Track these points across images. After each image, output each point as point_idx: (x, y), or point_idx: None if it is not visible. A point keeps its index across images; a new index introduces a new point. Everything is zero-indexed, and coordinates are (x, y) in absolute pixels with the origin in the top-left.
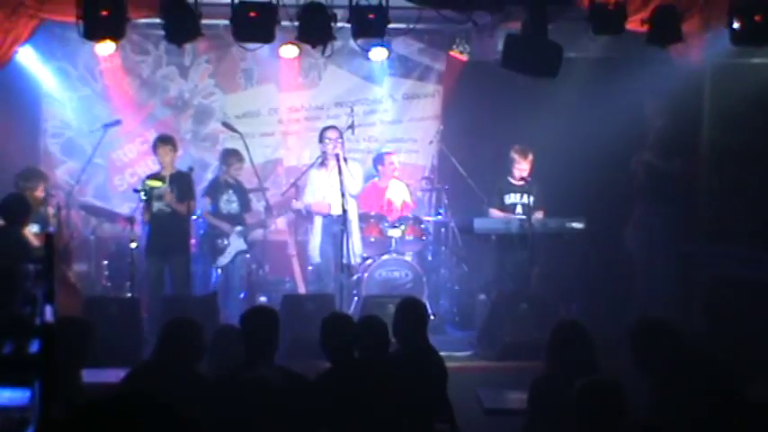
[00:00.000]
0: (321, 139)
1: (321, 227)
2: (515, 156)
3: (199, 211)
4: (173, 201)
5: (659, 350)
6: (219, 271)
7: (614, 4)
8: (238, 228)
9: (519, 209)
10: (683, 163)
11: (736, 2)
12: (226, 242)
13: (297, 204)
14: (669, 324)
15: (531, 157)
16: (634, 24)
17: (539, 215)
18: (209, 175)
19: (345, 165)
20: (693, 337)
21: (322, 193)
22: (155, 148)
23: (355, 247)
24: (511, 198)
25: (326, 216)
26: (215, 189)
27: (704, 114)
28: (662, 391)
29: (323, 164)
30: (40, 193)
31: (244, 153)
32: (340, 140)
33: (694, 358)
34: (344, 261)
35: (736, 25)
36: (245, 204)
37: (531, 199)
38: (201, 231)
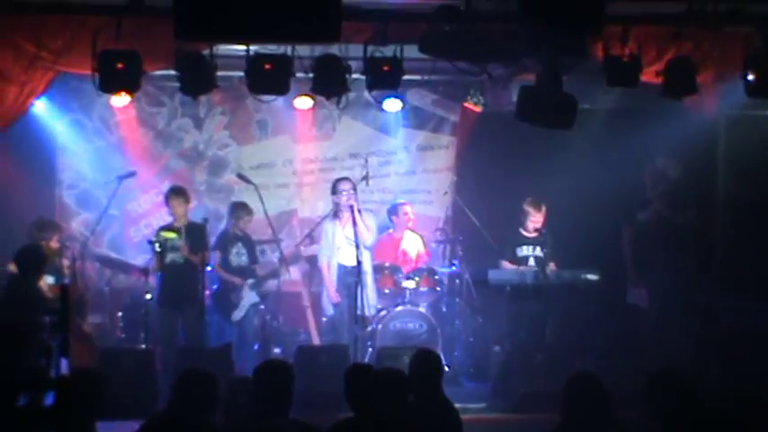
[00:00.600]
0: (334, 191)
1: (336, 278)
2: (529, 208)
3: (210, 266)
4: (187, 252)
5: (675, 403)
6: (234, 324)
7: (629, 56)
8: (250, 281)
9: (531, 261)
10: (696, 214)
11: (751, 54)
12: (239, 297)
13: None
14: (685, 376)
15: (544, 209)
16: (648, 76)
17: (551, 267)
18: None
19: (360, 216)
20: (709, 389)
21: (336, 245)
22: (167, 199)
23: (370, 298)
24: (524, 250)
25: (340, 267)
26: (224, 242)
27: (719, 165)
28: None
29: (336, 216)
30: (54, 244)
31: (257, 205)
32: (353, 192)
33: (710, 411)
34: (359, 312)
35: (750, 77)
36: (253, 256)
37: (544, 251)
38: (215, 286)
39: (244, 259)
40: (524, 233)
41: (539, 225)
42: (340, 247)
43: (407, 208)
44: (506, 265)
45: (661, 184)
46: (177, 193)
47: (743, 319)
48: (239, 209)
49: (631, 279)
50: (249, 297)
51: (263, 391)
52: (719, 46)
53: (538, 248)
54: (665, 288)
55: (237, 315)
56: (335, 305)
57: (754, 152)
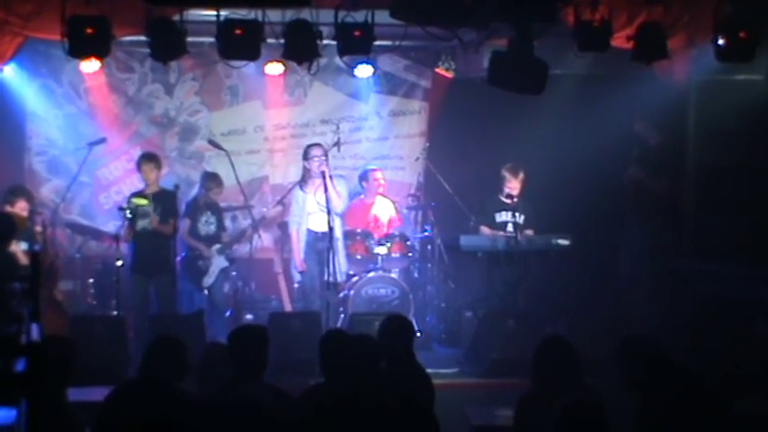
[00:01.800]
0: (305, 157)
1: (305, 244)
2: (506, 174)
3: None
4: (156, 222)
5: (645, 368)
6: (205, 291)
7: (599, 21)
8: (216, 246)
9: (509, 227)
10: (670, 183)
11: (721, 18)
12: (207, 263)
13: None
14: (655, 341)
15: (522, 175)
16: (619, 41)
17: (529, 234)
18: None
19: (331, 182)
20: (680, 353)
21: (306, 210)
22: (139, 165)
23: (340, 264)
24: (502, 216)
25: (311, 233)
26: (194, 210)
27: (690, 131)
28: (648, 408)
29: (306, 181)
30: (22, 211)
31: (228, 171)
32: (325, 158)
33: (680, 375)
34: (330, 279)
35: (721, 42)
36: (221, 224)
37: (522, 218)
38: (183, 253)
39: (212, 228)
40: (502, 199)
41: (515, 191)
42: (310, 213)
43: (378, 174)
44: (485, 230)
45: (638, 147)
46: (149, 159)
47: (713, 285)
48: (210, 179)
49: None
50: (217, 262)
51: (237, 355)
52: (690, 11)
53: (516, 215)
54: (637, 251)
55: (208, 281)
56: (301, 273)
57: (724, 117)
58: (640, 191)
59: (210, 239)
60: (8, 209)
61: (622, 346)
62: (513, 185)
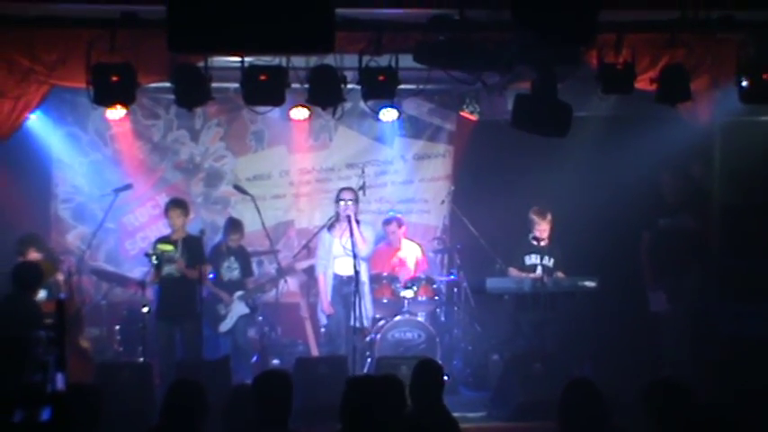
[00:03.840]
0: (337, 200)
1: (332, 288)
2: (534, 216)
3: (211, 277)
4: (183, 267)
5: (673, 411)
6: (227, 336)
7: (623, 63)
8: (239, 293)
9: (539, 270)
10: (700, 224)
11: (744, 60)
12: (225, 310)
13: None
14: (683, 385)
15: (549, 217)
16: (643, 83)
17: (557, 276)
18: None
19: (357, 226)
20: (707, 395)
21: (333, 254)
22: (166, 211)
23: (366, 309)
24: (531, 259)
25: (337, 277)
26: (216, 256)
27: (715, 172)
28: None
29: (333, 225)
30: (34, 256)
31: (254, 216)
32: (352, 202)
33: (709, 419)
34: (357, 324)
35: (744, 83)
36: (246, 270)
37: (552, 261)
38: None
39: (236, 273)
40: (532, 242)
41: (544, 234)
42: (336, 257)
43: (393, 226)
44: (513, 271)
45: (685, 190)
46: (177, 204)
47: (740, 325)
48: (230, 226)
49: (650, 285)
50: (238, 309)
51: (262, 400)
52: (713, 53)
53: (546, 257)
54: (678, 294)
55: (224, 326)
56: (329, 316)
57: (749, 158)
58: (684, 233)
59: (234, 285)
60: (20, 259)
61: (650, 389)
62: (542, 228)
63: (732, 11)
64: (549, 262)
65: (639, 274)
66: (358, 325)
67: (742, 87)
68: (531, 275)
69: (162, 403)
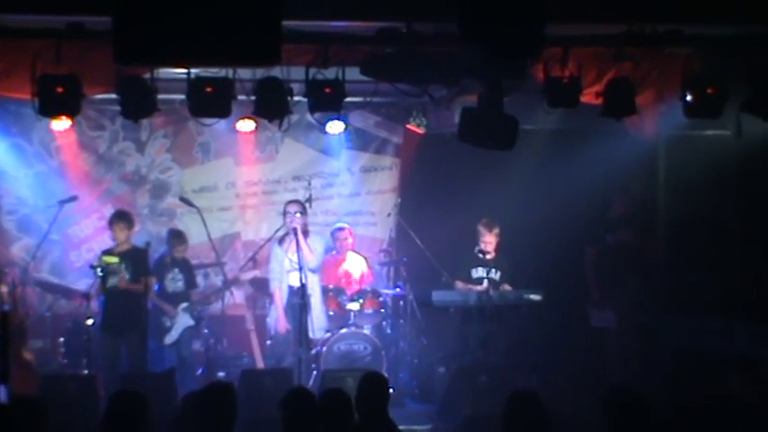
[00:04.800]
0: (284, 213)
1: (285, 301)
2: (481, 229)
3: (157, 290)
4: (125, 282)
5: (631, 421)
6: (172, 348)
7: (569, 77)
8: (183, 305)
9: (485, 283)
10: (643, 239)
11: (690, 75)
12: (170, 322)
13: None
14: (640, 394)
15: (497, 230)
16: (589, 97)
17: (503, 289)
18: None
19: (305, 238)
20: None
21: (285, 268)
22: (110, 224)
23: (317, 320)
24: (478, 272)
25: (290, 289)
26: (160, 268)
27: (660, 186)
28: None
29: (283, 239)
30: None
31: (200, 228)
32: (299, 214)
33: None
34: (309, 335)
35: (689, 98)
36: (190, 282)
37: (499, 274)
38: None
39: (180, 285)
40: (479, 255)
41: (490, 247)
42: (289, 272)
43: (344, 233)
44: (459, 284)
45: (628, 209)
46: (120, 218)
47: (685, 338)
48: (173, 237)
49: (595, 301)
50: (182, 321)
51: (207, 412)
52: (659, 67)
53: (493, 271)
54: (624, 309)
55: (170, 339)
56: (281, 334)
57: (693, 172)
58: (629, 251)
59: (178, 297)
60: None
61: (607, 398)
62: (487, 240)
63: (678, 25)
64: (495, 275)
65: (583, 288)
66: (310, 337)
67: (687, 102)
68: (477, 288)
69: (103, 414)
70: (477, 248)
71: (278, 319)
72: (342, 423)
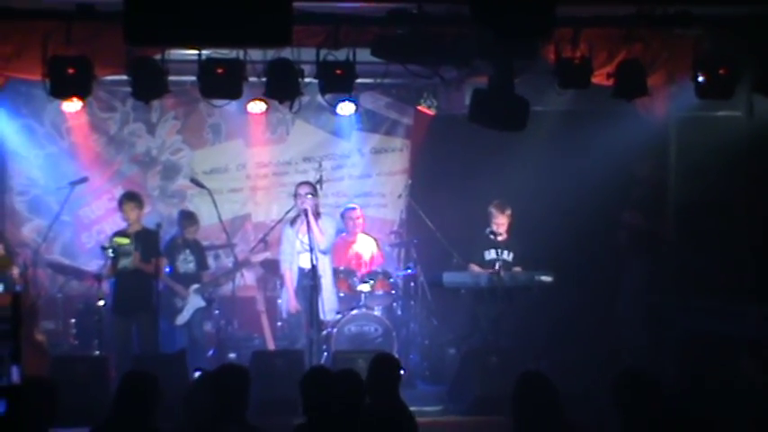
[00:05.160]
0: (294, 195)
1: (296, 282)
2: (493, 210)
3: (167, 271)
4: (138, 261)
5: (644, 403)
6: (183, 329)
7: (580, 58)
8: (195, 286)
9: (497, 265)
10: (666, 222)
11: (701, 56)
12: (181, 303)
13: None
14: (652, 376)
15: (508, 211)
16: (599, 78)
17: (517, 271)
18: None
19: (315, 220)
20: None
21: (296, 249)
22: (120, 204)
23: (328, 302)
24: (491, 254)
25: (300, 271)
26: (172, 249)
27: (671, 167)
28: None
29: (294, 220)
30: None
31: (210, 209)
32: (310, 195)
33: (675, 411)
34: (320, 317)
35: (700, 79)
36: (202, 263)
37: (511, 255)
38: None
39: (191, 266)
40: (491, 236)
41: (502, 228)
42: (300, 253)
43: (355, 213)
44: (474, 268)
45: (636, 189)
46: (130, 198)
47: (695, 321)
48: (184, 218)
49: None
50: (194, 302)
51: (219, 395)
52: (669, 48)
53: (505, 252)
54: (632, 291)
55: (181, 319)
56: (292, 314)
57: (704, 153)
58: (637, 234)
59: (190, 278)
60: None
61: (620, 380)
62: (500, 222)
63: (689, 6)
64: (508, 256)
65: (596, 269)
66: (321, 318)
67: (698, 83)
68: (490, 270)
69: (115, 394)
70: (488, 230)
71: (288, 300)
72: (354, 403)
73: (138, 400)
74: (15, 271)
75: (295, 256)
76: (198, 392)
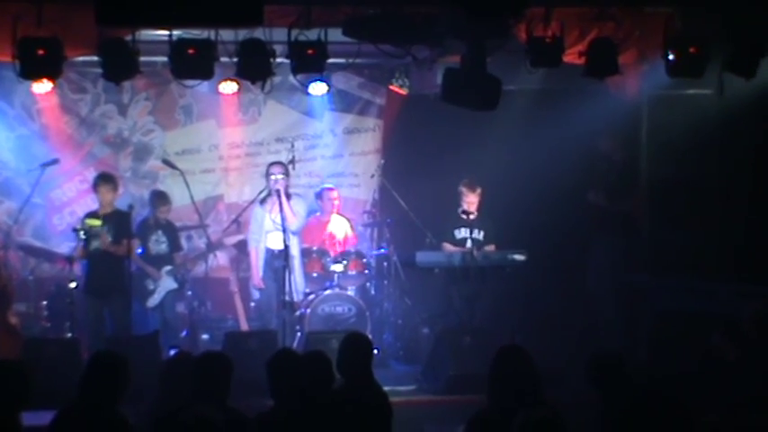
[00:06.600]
0: (266, 175)
1: (263, 262)
2: (463, 189)
3: (140, 252)
4: (107, 243)
5: (615, 384)
6: (155, 311)
7: (551, 37)
8: (167, 267)
9: (469, 243)
10: (631, 203)
11: (672, 34)
12: (153, 285)
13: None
14: (620, 358)
15: (479, 190)
16: (571, 57)
17: (490, 249)
18: None
19: (287, 201)
20: (639, 368)
21: (264, 229)
22: (95, 186)
23: (297, 283)
24: (461, 233)
25: (268, 251)
26: (144, 230)
27: (643, 145)
28: (609, 419)
29: (264, 200)
30: None
31: (183, 190)
32: (281, 176)
33: (647, 390)
34: (287, 298)
35: (671, 57)
36: (174, 244)
37: (482, 234)
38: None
39: (163, 247)
40: (461, 215)
41: (473, 207)
42: (269, 232)
43: (333, 193)
44: (448, 246)
45: (601, 166)
46: (106, 180)
47: (669, 299)
48: (156, 198)
49: None
50: (166, 284)
51: (201, 382)
52: (641, 26)
53: (476, 231)
54: (601, 267)
55: (153, 301)
56: (260, 290)
57: (676, 132)
58: (603, 213)
59: (162, 259)
60: None
61: (591, 362)
62: (470, 200)
63: None
64: (479, 235)
65: (568, 248)
66: (288, 299)
67: (669, 61)
68: (463, 249)
69: (83, 373)
70: (459, 209)
71: (252, 277)
72: (323, 384)
73: (106, 379)
74: None
75: (263, 235)
76: (174, 370)
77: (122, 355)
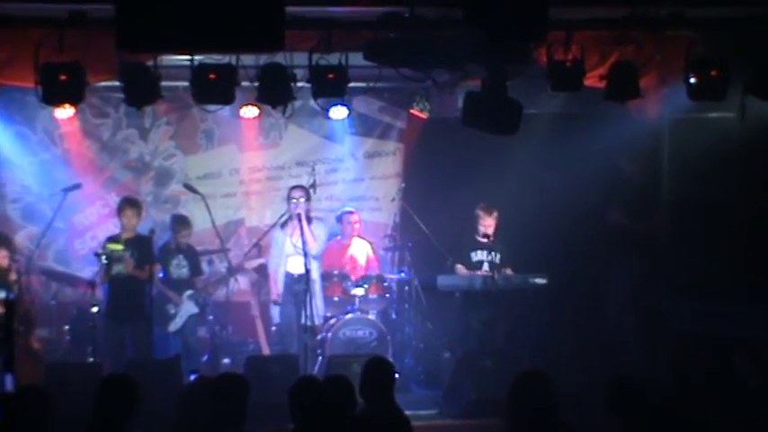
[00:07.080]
0: (288, 199)
1: (283, 285)
2: (480, 212)
3: (161, 276)
4: (131, 267)
5: (635, 409)
6: (177, 335)
7: (572, 61)
8: (188, 292)
9: (485, 266)
10: (653, 222)
11: (693, 58)
12: (175, 309)
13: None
14: (640, 383)
15: (495, 213)
16: (592, 81)
17: (508, 273)
18: None
19: (308, 225)
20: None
21: (285, 253)
22: (120, 210)
23: (318, 307)
24: (478, 255)
25: (288, 275)
26: (165, 255)
27: (664, 168)
28: None
29: (285, 224)
30: (3, 260)
31: (204, 215)
32: (302, 199)
33: (667, 412)
34: (308, 323)
35: (692, 81)
36: (195, 268)
37: (498, 256)
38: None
39: (184, 271)
40: (478, 238)
41: (489, 230)
42: (289, 255)
43: (354, 217)
44: (461, 269)
45: (621, 188)
46: (132, 204)
47: (690, 321)
48: (177, 223)
49: None
50: (187, 308)
51: (218, 404)
52: (662, 50)
53: (492, 254)
54: (621, 290)
55: (174, 326)
56: (280, 314)
57: (697, 155)
58: (625, 234)
59: (183, 283)
60: None
61: (608, 387)
62: (487, 224)
63: (680, 8)
64: (495, 258)
65: (588, 270)
66: (309, 323)
67: (690, 84)
68: (479, 273)
69: (94, 402)
70: (476, 232)
71: (271, 292)
72: (345, 410)
73: (118, 402)
74: (13, 278)
75: (283, 259)
76: (194, 395)
77: (133, 377)
